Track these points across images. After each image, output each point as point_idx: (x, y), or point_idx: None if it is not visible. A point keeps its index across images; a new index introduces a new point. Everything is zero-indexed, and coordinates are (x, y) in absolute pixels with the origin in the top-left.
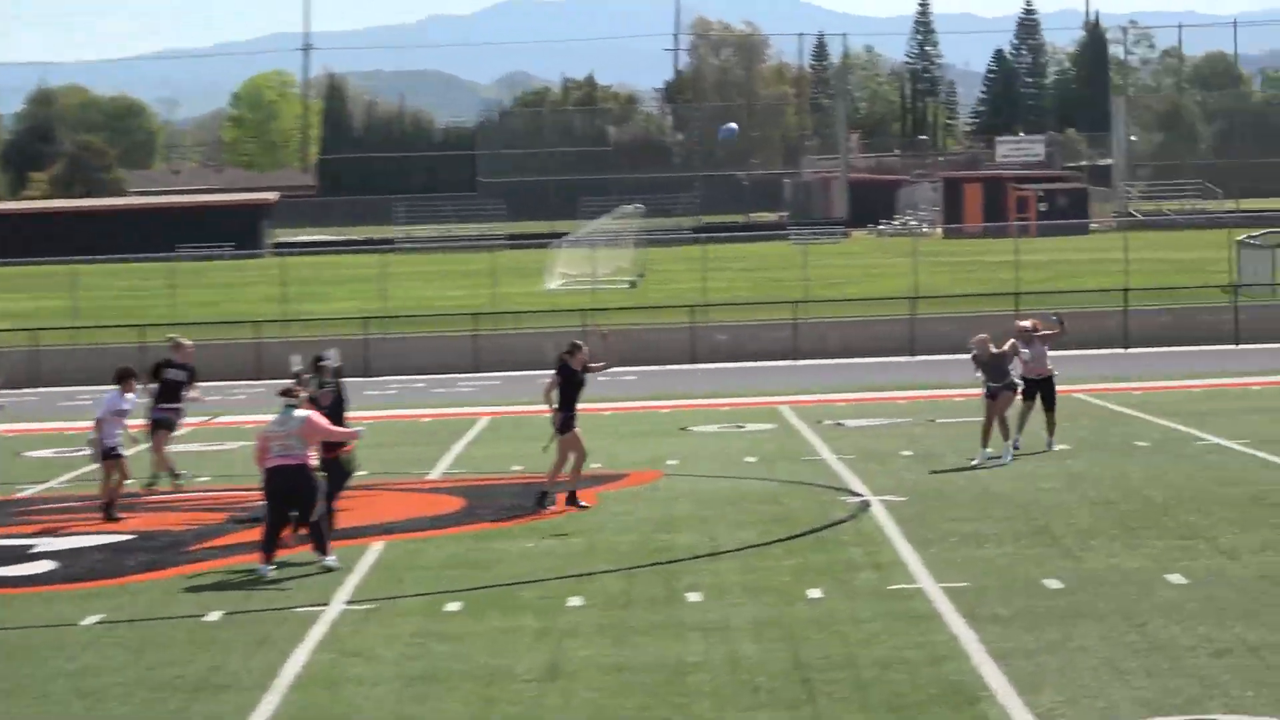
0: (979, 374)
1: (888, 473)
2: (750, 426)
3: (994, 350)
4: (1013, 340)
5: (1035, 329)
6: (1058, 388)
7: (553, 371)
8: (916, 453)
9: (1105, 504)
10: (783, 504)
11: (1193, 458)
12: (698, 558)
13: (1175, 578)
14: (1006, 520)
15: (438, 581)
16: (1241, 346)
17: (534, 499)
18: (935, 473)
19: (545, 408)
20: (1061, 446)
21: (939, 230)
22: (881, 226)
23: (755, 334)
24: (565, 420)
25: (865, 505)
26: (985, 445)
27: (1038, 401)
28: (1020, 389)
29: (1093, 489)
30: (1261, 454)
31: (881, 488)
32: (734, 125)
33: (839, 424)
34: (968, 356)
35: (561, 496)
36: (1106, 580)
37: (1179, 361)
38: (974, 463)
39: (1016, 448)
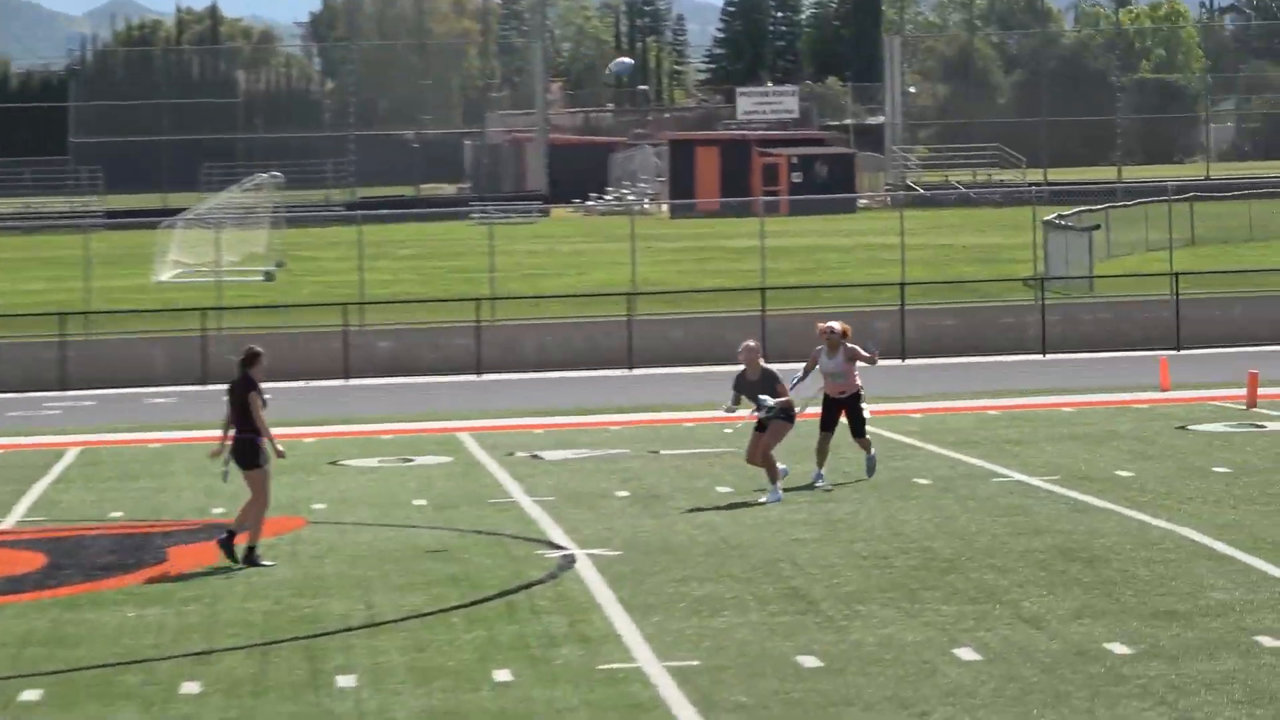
0: (732, 407)
1: (598, 519)
2: (421, 460)
3: (765, 365)
4: (817, 349)
5: (845, 334)
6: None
7: (227, 389)
8: (635, 494)
9: (876, 559)
10: (462, 560)
11: (988, 500)
12: (351, 630)
13: (965, 653)
14: (750, 580)
15: (12, 663)
16: (1050, 356)
17: (240, 554)
18: (659, 519)
19: (192, 433)
20: (821, 485)
21: (664, 207)
22: (591, 202)
23: (428, 340)
24: (255, 449)
25: (569, 561)
26: (817, 476)
27: (838, 429)
28: (808, 411)
29: (861, 540)
30: (1073, 494)
31: (590, 539)
32: (628, 60)
33: (535, 456)
34: (728, 370)
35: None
36: (878, 657)
37: (970, 376)
38: (822, 486)
39: (819, 481)
